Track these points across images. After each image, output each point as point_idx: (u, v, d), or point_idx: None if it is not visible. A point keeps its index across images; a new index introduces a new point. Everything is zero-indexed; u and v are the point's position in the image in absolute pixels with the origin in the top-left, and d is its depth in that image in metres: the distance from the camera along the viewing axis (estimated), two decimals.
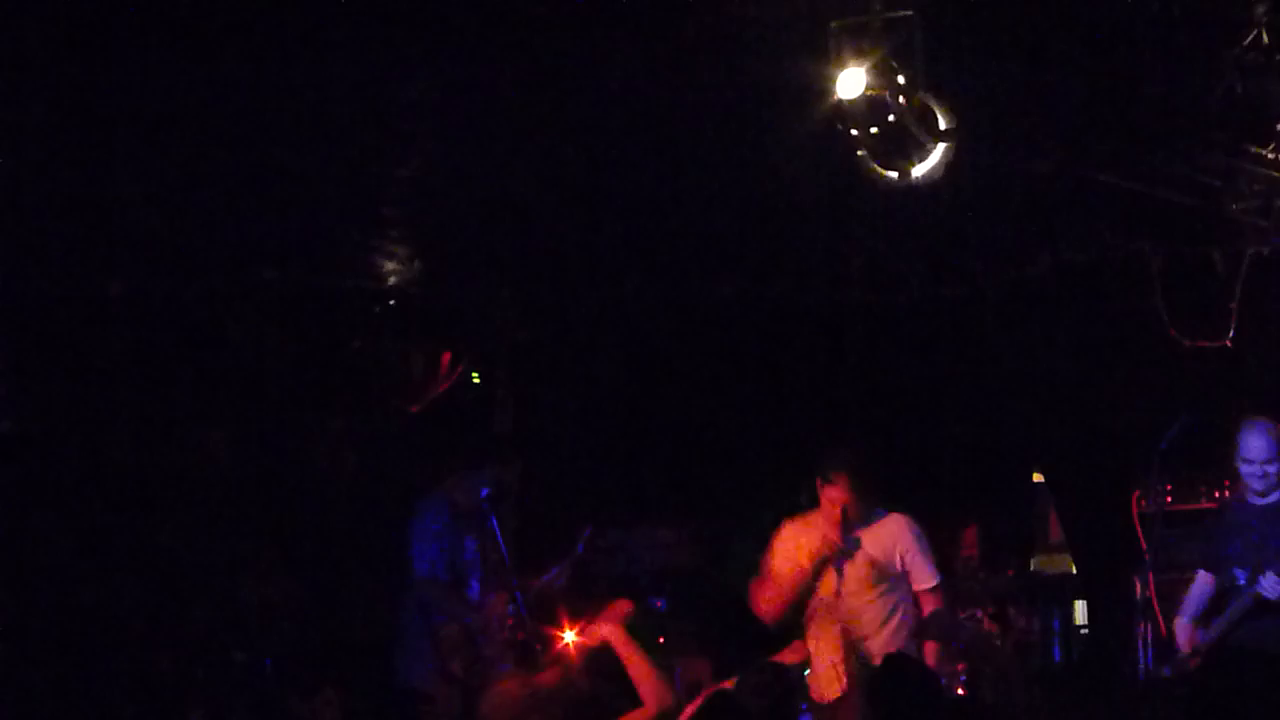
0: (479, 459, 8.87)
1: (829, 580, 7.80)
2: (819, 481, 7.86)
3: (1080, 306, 9.34)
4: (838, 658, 7.78)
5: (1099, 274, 8.91)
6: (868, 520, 7.84)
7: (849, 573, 7.77)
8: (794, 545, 7.98)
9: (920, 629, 7.90)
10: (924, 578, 7.89)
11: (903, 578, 7.87)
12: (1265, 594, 7.31)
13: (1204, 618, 7.65)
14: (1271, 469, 7.45)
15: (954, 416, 10.32)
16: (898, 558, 7.84)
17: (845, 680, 7.70)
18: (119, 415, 9.08)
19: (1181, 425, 7.85)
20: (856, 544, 7.79)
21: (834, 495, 7.80)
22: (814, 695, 7.90)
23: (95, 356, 8.98)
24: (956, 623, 8.64)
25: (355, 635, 9.24)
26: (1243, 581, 7.47)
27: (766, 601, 8.03)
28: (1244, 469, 7.51)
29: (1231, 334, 8.30)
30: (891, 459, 9.57)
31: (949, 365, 10.18)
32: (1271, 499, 7.53)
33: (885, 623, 7.84)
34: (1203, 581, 7.74)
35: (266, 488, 9.57)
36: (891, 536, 7.86)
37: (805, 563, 7.82)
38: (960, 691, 9.55)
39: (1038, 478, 10.74)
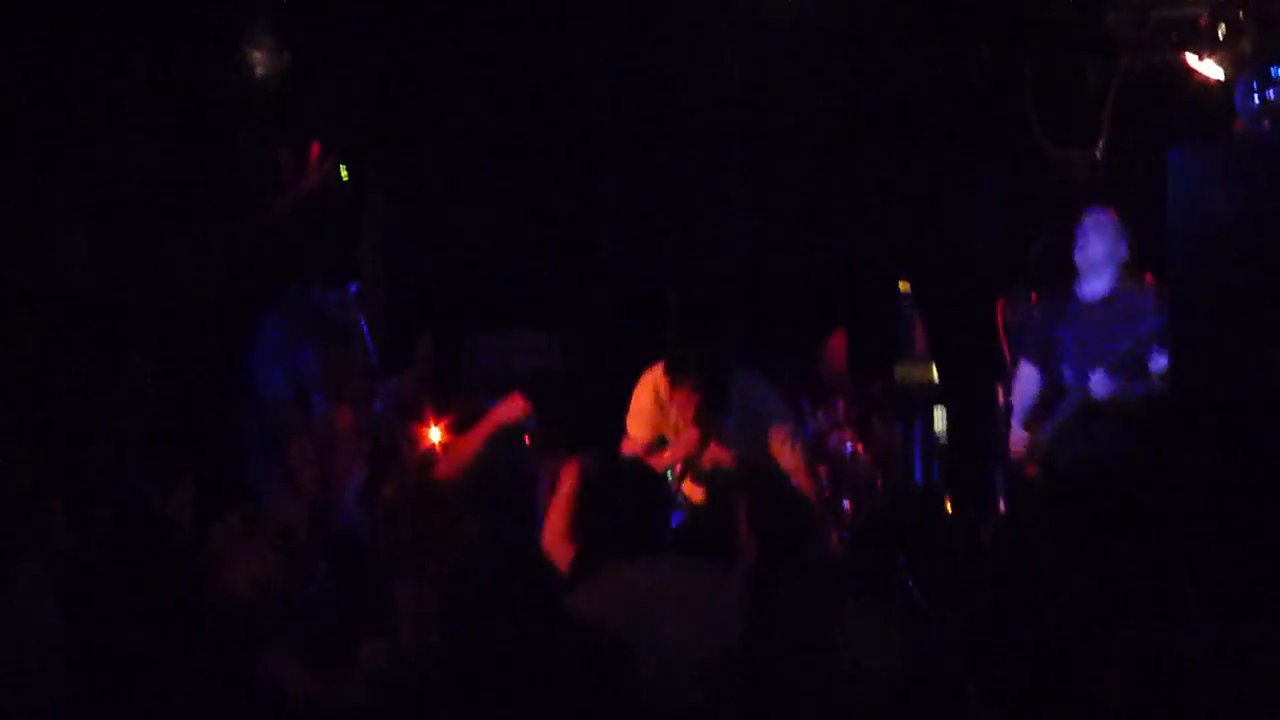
0: (342, 266, 8.82)
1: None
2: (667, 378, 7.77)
3: (952, 115, 9.34)
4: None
5: (971, 84, 8.91)
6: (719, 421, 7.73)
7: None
8: (646, 416, 7.93)
9: None
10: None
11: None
12: (1093, 392, 7.30)
13: (1036, 418, 7.61)
14: (1106, 263, 7.42)
15: (821, 227, 10.34)
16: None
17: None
18: None
19: (1046, 237, 7.89)
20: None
21: (681, 400, 7.72)
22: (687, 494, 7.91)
23: None
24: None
25: (212, 437, 9.16)
26: (1069, 379, 7.47)
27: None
28: (1079, 258, 7.52)
29: (1101, 147, 8.34)
30: (758, 270, 9.61)
31: (817, 176, 10.18)
32: (1099, 293, 7.52)
33: None
34: (1027, 374, 7.69)
35: (128, 286, 9.42)
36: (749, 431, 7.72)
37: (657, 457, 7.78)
38: (826, 494, 9.69)
39: (904, 287, 10.81)
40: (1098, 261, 7.44)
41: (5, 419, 8.18)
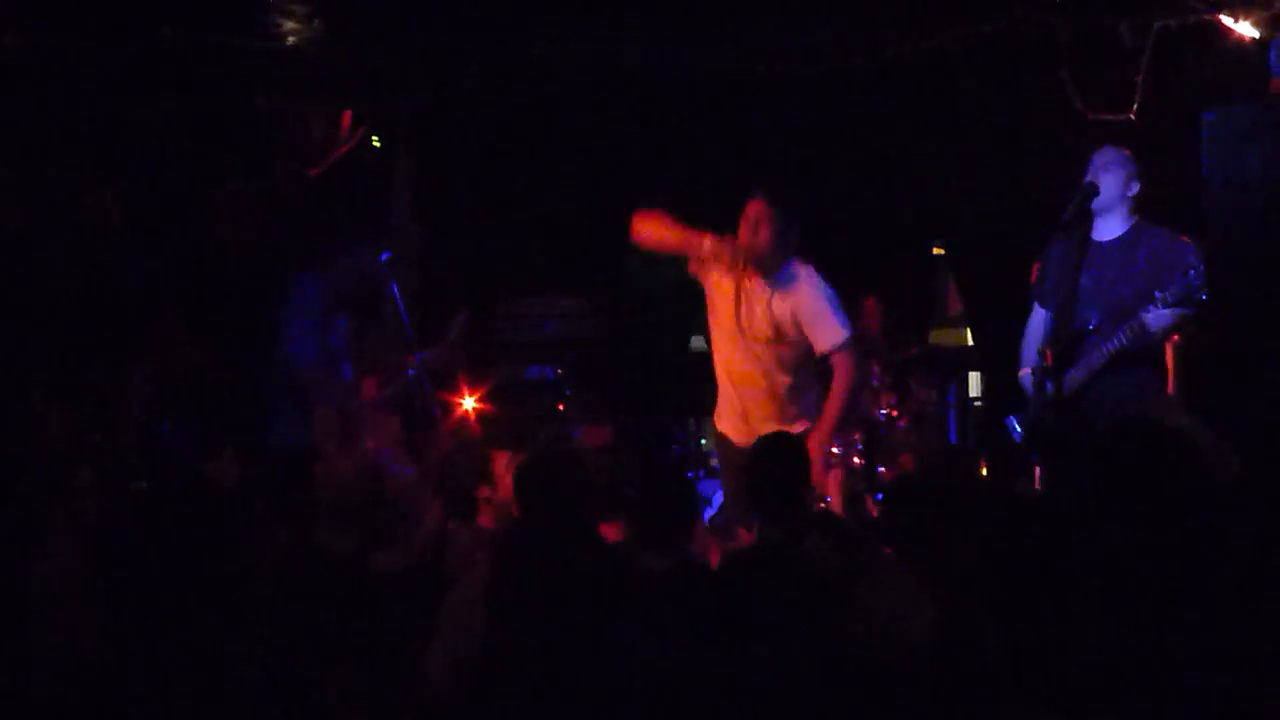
0: (372, 231, 8.84)
1: (727, 298, 7.63)
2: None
3: (986, 78, 9.31)
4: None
5: (1006, 46, 8.87)
6: (776, 269, 7.55)
7: (748, 307, 7.56)
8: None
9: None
10: (827, 337, 7.50)
11: (801, 344, 7.58)
12: (1150, 326, 7.10)
13: (1056, 363, 7.35)
14: (1103, 178, 7.22)
15: (856, 188, 10.32)
16: (794, 323, 7.52)
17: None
18: (6, 179, 8.90)
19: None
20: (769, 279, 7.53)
21: (750, 214, 7.51)
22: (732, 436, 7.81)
23: None
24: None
25: (253, 400, 9.20)
26: (1093, 325, 7.33)
27: (649, 227, 7.79)
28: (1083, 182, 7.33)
29: (1135, 108, 8.30)
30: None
31: (852, 137, 10.15)
32: (1115, 233, 7.32)
33: (778, 394, 7.67)
34: (1039, 319, 7.45)
35: (163, 252, 9.47)
36: (793, 300, 7.53)
37: (706, 238, 7.59)
38: (856, 461, 9.69)
39: (938, 251, 10.79)
40: (1112, 201, 7.27)
41: (40, 378, 8.24)
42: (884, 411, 10.17)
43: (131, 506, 6.09)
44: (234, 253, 9.39)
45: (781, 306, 7.53)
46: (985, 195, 9.79)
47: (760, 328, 7.57)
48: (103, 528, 5.79)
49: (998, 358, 10.03)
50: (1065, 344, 7.23)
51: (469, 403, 8.88)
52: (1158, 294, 6.94)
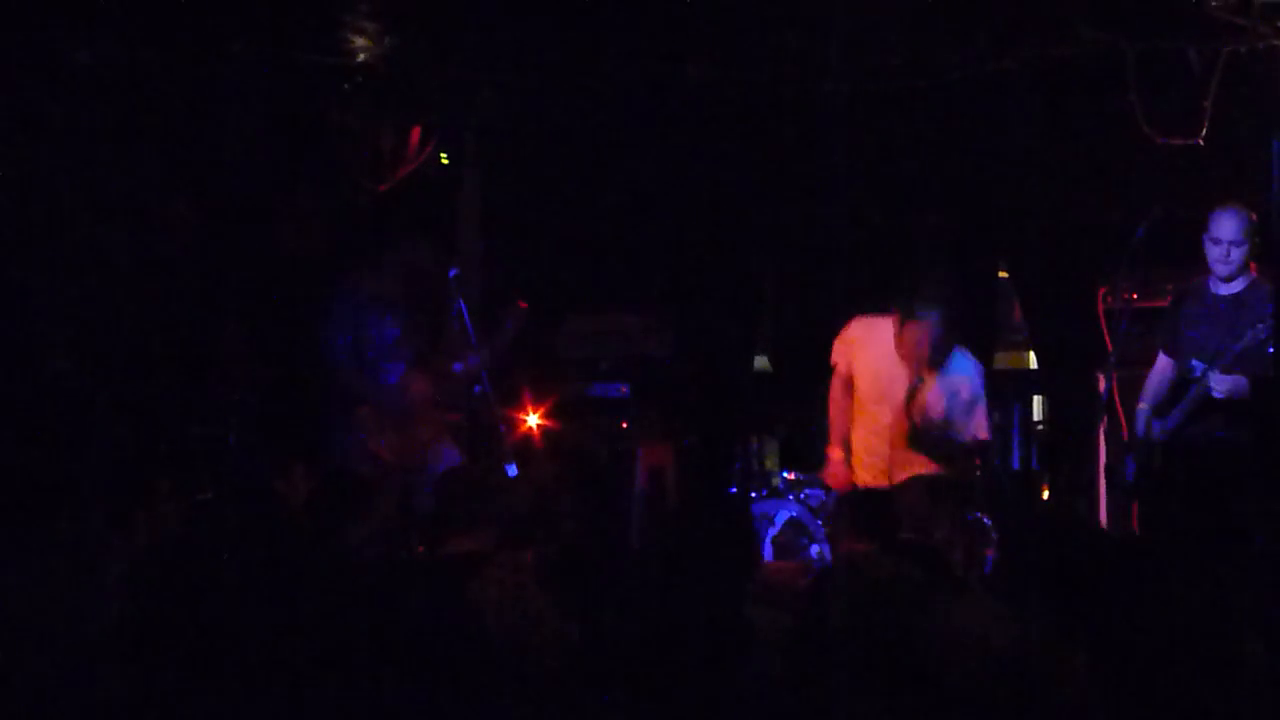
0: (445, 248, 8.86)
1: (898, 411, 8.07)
2: (899, 314, 7.98)
3: (1053, 101, 9.30)
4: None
5: (1074, 69, 8.87)
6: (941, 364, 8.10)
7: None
8: (867, 353, 8.07)
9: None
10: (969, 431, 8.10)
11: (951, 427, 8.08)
12: (1213, 391, 7.37)
13: (1164, 406, 7.70)
14: (1237, 252, 7.48)
15: (923, 210, 10.31)
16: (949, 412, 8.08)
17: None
18: (82, 189, 8.98)
19: (1149, 223, 7.86)
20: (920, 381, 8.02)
21: (918, 333, 8.00)
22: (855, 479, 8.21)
23: (59, 129, 8.87)
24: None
25: (319, 414, 9.24)
26: (1198, 374, 7.52)
27: (839, 408, 8.36)
28: (1210, 250, 7.56)
29: (1204, 132, 8.28)
30: (858, 254, 9.59)
31: (919, 158, 10.14)
32: (1234, 288, 7.57)
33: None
34: (1162, 366, 7.79)
35: (233, 265, 9.54)
36: (953, 389, 8.08)
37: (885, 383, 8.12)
38: None
39: (1003, 274, 10.76)
40: (1239, 263, 7.51)
41: (109, 393, 8.30)
42: None
43: (202, 518, 6.16)
44: (301, 267, 9.45)
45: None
46: (1050, 218, 9.77)
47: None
48: (179, 536, 5.83)
49: (1061, 381, 10.04)
50: (1173, 392, 7.62)
51: (533, 419, 8.90)
52: (1228, 355, 7.16)
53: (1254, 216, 7.54)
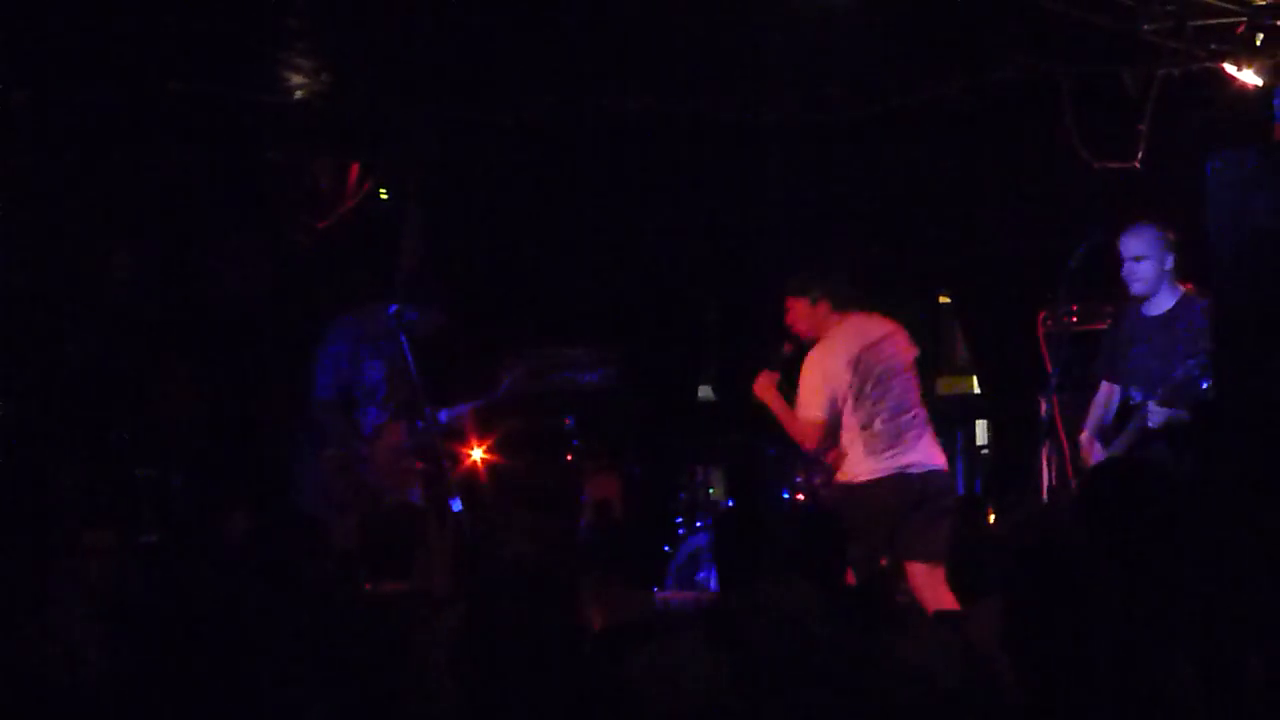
0: (386, 285, 8.82)
1: None
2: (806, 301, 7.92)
3: (990, 127, 9.35)
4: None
5: (1010, 94, 8.92)
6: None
7: None
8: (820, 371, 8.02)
9: None
10: None
11: None
12: (1149, 423, 7.38)
13: (1109, 431, 7.71)
14: (1143, 267, 7.50)
15: (862, 238, 10.35)
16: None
17: None
18: (17, 230, 8.93)
19: (1088, 246, 7.89)
20: None
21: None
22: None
23: None
24: None
25: (264, 456, 9.20)
26: (1137, 401, 7.55)
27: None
28: (1123, 270, 7.59)
29: (1140, 156, 8.33)
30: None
31: (857, 186, 10.19)
32: (1164, 305, 7.57)
33: None
34: (1105, 392, 7.80)
35: (174, 305, 9.49)
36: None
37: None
38: None
39: (944, 299, 10.80)
40: (1152, 285, 7.52)
41: (49, 434, 8.25)
42: None
43: (143, 563, 6.11)
44: (243, 305, 9.41)
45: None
46: (990, 243, 9.82)
47: None
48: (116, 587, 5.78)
49: (1003, 405, 10.08)
50: (1117, 418, 7.66)
51: (478, 453, 8.87)
52: (1161, 386, 7.18)
53: (1168, 233, 7.54)
